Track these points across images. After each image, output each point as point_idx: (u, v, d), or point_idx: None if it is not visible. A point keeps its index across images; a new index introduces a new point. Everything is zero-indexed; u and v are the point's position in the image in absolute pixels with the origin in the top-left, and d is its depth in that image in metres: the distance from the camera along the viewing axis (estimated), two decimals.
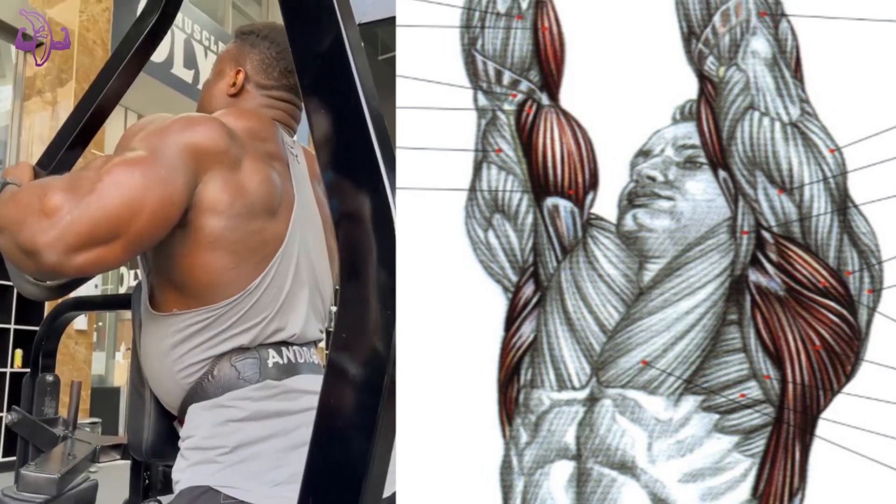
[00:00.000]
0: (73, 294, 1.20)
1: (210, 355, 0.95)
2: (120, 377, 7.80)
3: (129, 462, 1.37)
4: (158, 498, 1.33)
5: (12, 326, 5.26)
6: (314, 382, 1.00)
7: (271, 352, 0.99)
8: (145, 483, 1.37)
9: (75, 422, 1.39)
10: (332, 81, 0.60)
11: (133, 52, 1.11)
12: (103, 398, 6.25)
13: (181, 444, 0.94)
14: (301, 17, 0.63)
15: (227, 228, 0.91)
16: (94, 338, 6.24)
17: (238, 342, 0.96)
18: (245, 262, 0.95)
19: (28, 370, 1.47)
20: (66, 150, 1.13)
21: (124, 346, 8.43)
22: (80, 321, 5.69)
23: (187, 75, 7.02)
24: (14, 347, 5.28)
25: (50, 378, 1.43)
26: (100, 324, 7.57)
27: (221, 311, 0.94)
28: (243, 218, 0.94)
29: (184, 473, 0.91)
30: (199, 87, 7.33)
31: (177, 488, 0.92)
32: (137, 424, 1.03)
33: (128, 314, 1.11)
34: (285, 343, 1.02)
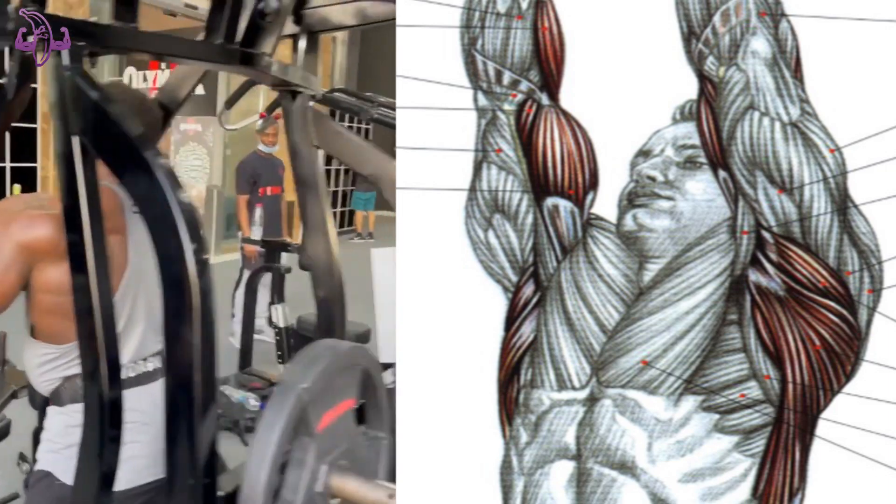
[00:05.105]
0: None
1: (61, 375, 1.25)
2: None
3: None
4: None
5: (8, 164, 5.54)
6: (137, 396, 1.24)
7: None
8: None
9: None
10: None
11: None
12: None
13: (42, 434, 1.30)
14: None
15: (58, 303, 1.13)
16: None
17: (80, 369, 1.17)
18: None
19: None
20: None
21: None
22: None
23: None
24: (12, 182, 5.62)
25: None
26: None
27: (65, 350, 1.22)
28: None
29: (39, 459, 1.28)
30: None
31: (34, 468, 1.30)
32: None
33: None
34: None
